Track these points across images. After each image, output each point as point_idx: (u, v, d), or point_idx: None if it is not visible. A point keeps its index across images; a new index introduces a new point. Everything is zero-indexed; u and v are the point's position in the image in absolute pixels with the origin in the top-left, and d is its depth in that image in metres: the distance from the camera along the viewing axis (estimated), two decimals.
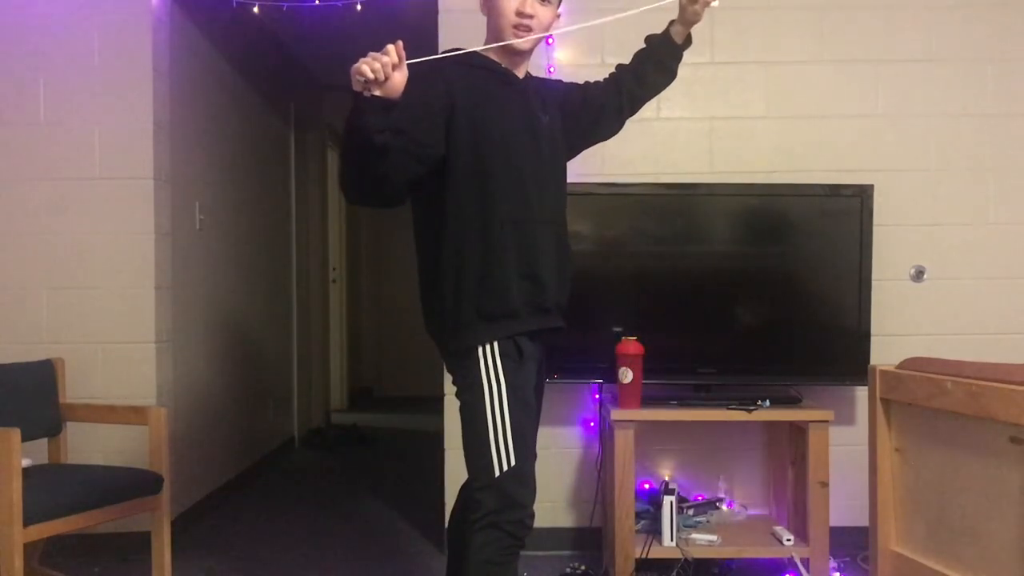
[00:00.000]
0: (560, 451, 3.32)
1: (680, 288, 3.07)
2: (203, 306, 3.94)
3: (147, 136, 3.34)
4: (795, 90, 3.30)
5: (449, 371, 2.11)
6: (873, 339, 3.08)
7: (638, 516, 2.99)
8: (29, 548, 2.66)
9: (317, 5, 3.51)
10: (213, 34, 4.06)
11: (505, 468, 1.94)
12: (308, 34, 5.07)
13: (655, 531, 2.94)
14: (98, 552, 3.33)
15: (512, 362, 2.00)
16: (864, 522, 2.20)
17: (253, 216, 4.68)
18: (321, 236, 6.22)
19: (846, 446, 3.24)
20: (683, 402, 2.99)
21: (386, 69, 1.75)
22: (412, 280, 2.22)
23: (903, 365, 1.99)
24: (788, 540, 2.93)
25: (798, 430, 3.01)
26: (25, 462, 2.65)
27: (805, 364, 3.06)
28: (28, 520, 2.45)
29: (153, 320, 3.35)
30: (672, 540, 2.89)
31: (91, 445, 3.29)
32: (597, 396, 3.25)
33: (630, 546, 2.86)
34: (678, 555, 2.88)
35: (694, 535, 2.95)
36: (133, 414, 2.97)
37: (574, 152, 2.30)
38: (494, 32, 2.09)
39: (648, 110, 3.27)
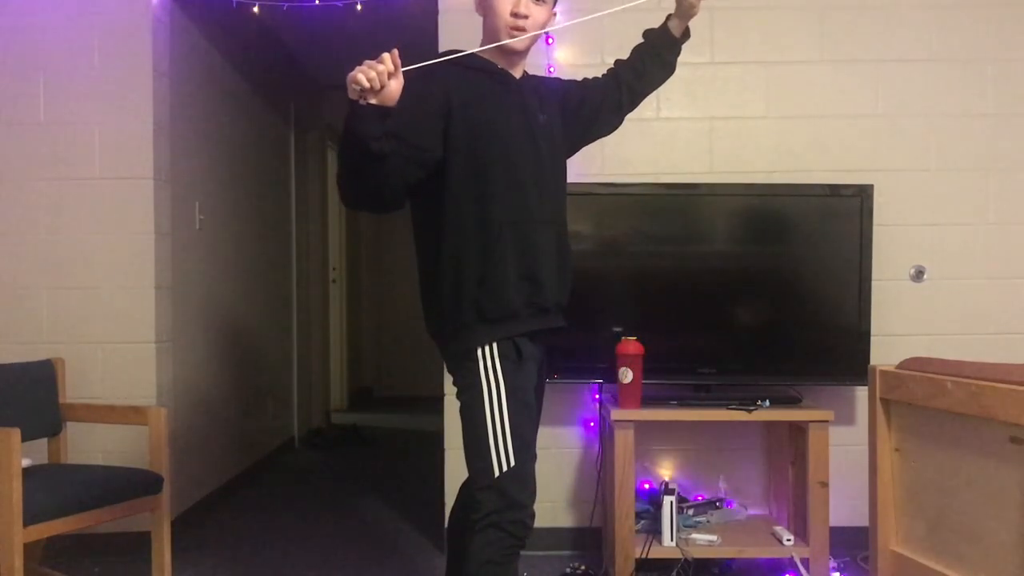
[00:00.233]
0: (560, 451, 3.32)
1: (680, 288, 3.07)
2: (203, 306, 3.94)
3: (147, 136, 3.34)
4: (795, 90, 3.30)
5: (449, 371, 2.11)
6: (873, 339, 3.08)
7: (638, 516, 2.99)
8: (29, 548, 2.66)
9: (317, 5, 3.51)
10: (213, 34, 4.06)
11: (505, 469, 1.95)
12: (308, 34, 5.07)
13: (655, 531, 2.94)
14: (98, 552, 3.33)
15: (511, 363, 2.00)
16: (864, 522, 2.20)
17: (253, 216, 4.68)
18: (321, 236, 6.22)
19: (846, 446, 3.24)
20: (683, 402, 2.99)
21: (382, 78, 1.75)
22: (412, 280, 2.22)
23: (903, 365, 1.99)
24: (788, 540, 2.93)
25: (798, 430, 3.01)
26: (25, 462, 2.65)
27: (805, 364, 3.06)
28: (28, 520, 2.45)
29: (153, 320, 3.35)
30: (672, 540, 2.89)
31: (91, 445, 3.30)
32: (597, 396, 3.25)
33: (630, 546, 2.86)
34: (678, 555, 2.88)
35: (694, 535, 2.95)
36: (133, 414, 2.97)
37: (574, 149, 2.30)
38: (490, 32, 2.09)
39: (648, 110, 3.29)
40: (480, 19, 2.14)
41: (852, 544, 3.17)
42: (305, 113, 5.79)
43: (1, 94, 3.33)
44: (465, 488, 2.28)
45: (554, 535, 3.31)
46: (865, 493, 2.14)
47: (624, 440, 2.88)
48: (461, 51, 2.07)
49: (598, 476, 3.26)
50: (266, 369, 4.91)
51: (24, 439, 2.55)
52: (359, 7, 3.53)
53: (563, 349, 2.99)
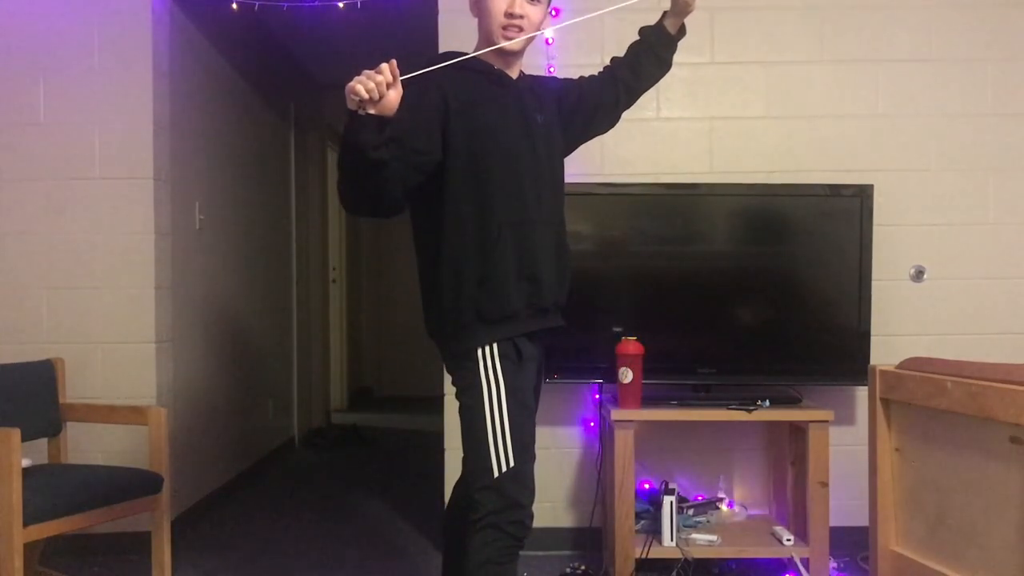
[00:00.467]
0: (560, 451, 3.32)
1: (680, 288, 3.07)
2: (203, 306, 3.94)
3: (147, 136, 3.34)
4: (795, 90, 3.30)
5: (449, 371, 2.11)
6: (873, 339, 3.08)
7: (638, 516, 2.99)
8: (29, 548, 2.66)
9: (317, 5, 3.51)
10: (213, 34, 4.06)
11: (504, 469, 1.95)
12: (308, 34, 5.07)
13: (655, 531, 2.94)
14: (98, 552, 3.33)
15: (511, 364, 2.01)
16: (864, 522, 2.20)
17: (253, 216, 4.68)
18: (321, 236, 6.22)
19: (846, 446, 3.24)
20: (683, 402, 2.99)
21: (380, 88, 1.74)
22: (412, 280, 2.22)
23: (903, 365, 1.99)
24: (788, 540, 2.93)
25: (798, 430, 3.01)
26: (25, 462, 2.65)
27: (805, 364, 3.06)
28: (28, 520, 2.45)
29: (153, 320, 3.35)
30: (672, 540, 2.89)
31: (91, 445, 3.30)
32: (597, 396, 3.25)
33: (630, 546, 2.86)
34: (678, 555, 2.88)
35: (694, 535, 2.95)
36: (133, 414, 2.97)
37: (571, 148, 2.30)
38: (485, 34, 2.08)
39: (648, 110, 3.29)
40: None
41: (852, 544, 3.17)
42: (305, 113, 5.79)
43: (1, 94, 3.33)
44: (459, 488, 2.28)
45: (554, 535, 3.31)
46: (865, 493, 2.14)
47: (624, 440, 2.88)
48: (459, 54, 2.07)
49: (598, 476, 3.26)
50: (266, 369, 4.91)
51: (24, 439, 2.55)
52: (359, 7, 3.52)
53: (563, 349, 3.00)
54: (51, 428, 3.04)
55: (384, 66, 1.75)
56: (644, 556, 2.86)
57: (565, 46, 3.27)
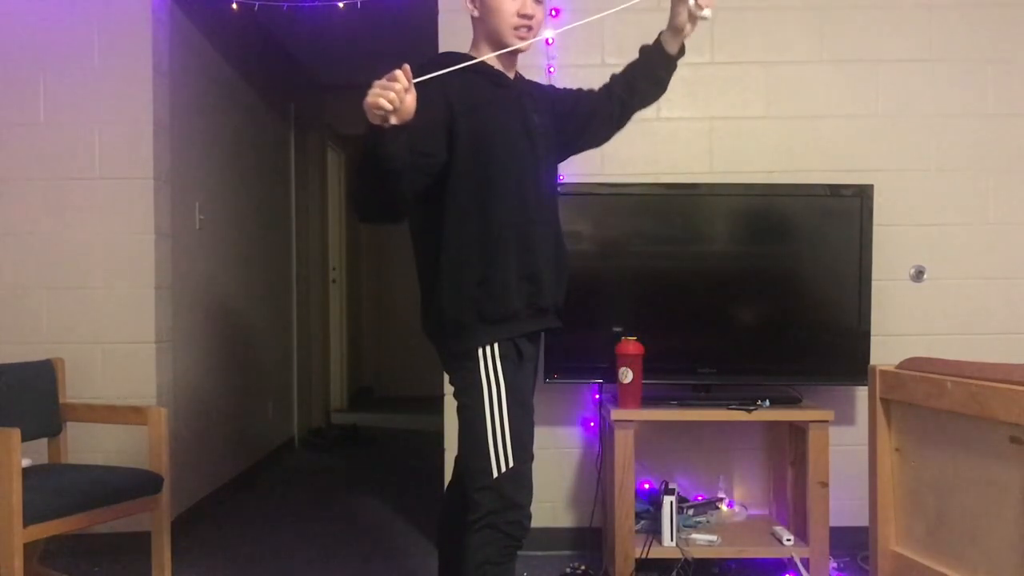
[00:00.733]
0: (560, 451, 3.32)
1: (680, 288, 3.07)
2: (203, 306, 3.94)
3: (147, 136, 3.35)
4: (795, 90, 3.30)
5: (447, 371, 2.10)
6: (873, 339, 3.08)
7: (638, 516, 2.99)
8: (29, 548, 2.66)
9: (317, 5, 3.51)
10: (213, 34, 4.06)
11: (503, 470, 1.95)
12: (308, 34, 5.07)
13: (655, 531, 2.94)
14: (98, 552, 3.33)
15: (512, 364, 2.01)
16: (864, 522, 2.20)
17: (253, 216, 4.68)
18: (321, 236, 6.22)
19: (846, 446, 3.24)
20: (683, 402, 2.99)
21: (401, 96, 1.72)
22: (412, 280, 2.22)
23: (903, 365, 1.99)
24: (788, 540, 2.93)
25: (798, 430, 3.01)
26: (25, 462, 2.66)
27: (805, 364, 3.06)
28: (28, 520, 2.45)
29: (153, 320, 3.35)
30: (672, 540, 2.89)
31: (91, 445, 3.30)
32: (597, 396, 3.25)
33: (630, 546, 2.86)
34: (678, 555, 2.88)
35: (694, 535, 2.95)
36: (133, 414, 2.97)
37: (562, 157, 2.29)
38: (490, 33, 2.08)
39: (648, 110, 3.26)
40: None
41: (852, 544, 3.17)
42: (305, 113, 5.79)
43: (1, 94, 3.33)
44: (452, 489, 2.28)
45: (554, 535, 3.31)
46: (865, 493, 2.14)
47: (624, 440, 2.88)
48: (459, 55, 2.07)
49: (598, 476, 3.26)
50: (266, 369, 4.91)
51: (24, 439, 2.55)
52: (359, 7, 3.52)
53: (563, 349, 3.00)
54: (51, 428, 3.04)
55: (398, 72, 1.72)
56: (644, 556, 2.86)
57: (565, 46, 3.27)
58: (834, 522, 2.94)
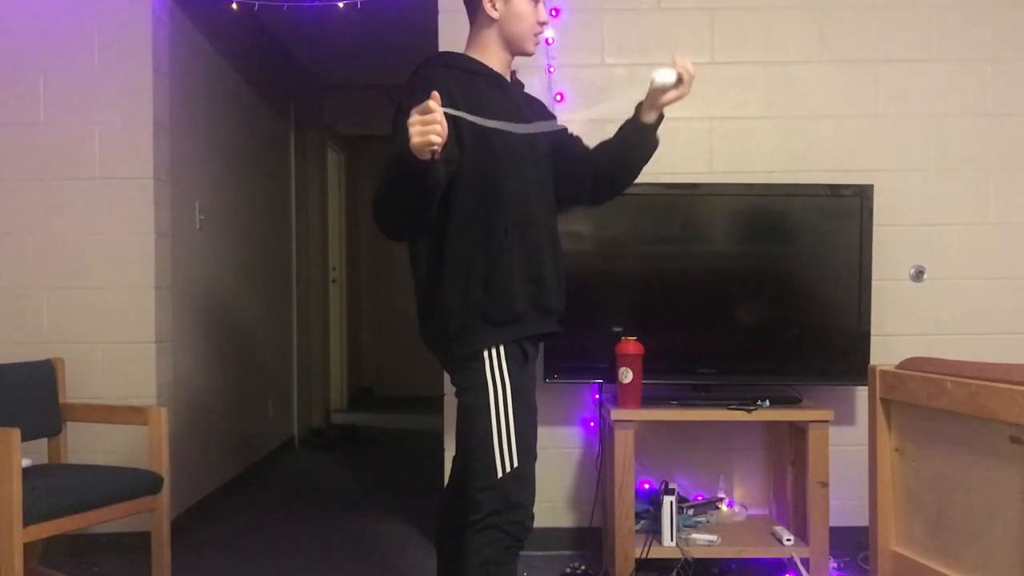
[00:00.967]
0: (560, 451, 3.32)
1: (680, 288, 3.07)
2: (203, 306, 3.94)
3: (147, 136, 3.34)
4: (795, 90, 3.30)
5: (449, 372, 2.10)
6: (873, 339, 3.08)
7: (638, 516, 2.99)
8: (29, 548, 2.67)
9: (317, 5, 3.51)
10: (213, 34, 4.06)
11: (507, 470, 1.94)
12: (308, 34, 5.08)
13: (655, 531, 2.94)
14: (98, 552, 3.33)
15: (517, 364, 2.01)
16: (864, 522, 2.21)
17: (253, 216, 4.68)
18: (321, 236, 6.23)
19: (846, 446, 3.24)
20: (683, 402, 2.99)
21: (442, 123, 1.71)
22: (412, 281, 2.21)
23: (903, 365, 1.99)
24: (788, 540, 2.93)
25: (798, 430, 3.01)
26: (25, 462, 2.66)
27: (805, 364, 3.06)
28: (28, 520, 2.45)
29: (153, 320, 3.35)
30: (672, 540, 2.89)
31: (91, 445, 3.30)
32: (597, 396, 3.25)
33: (630, 546, 2.86)
34: (678, 555, 2.88)
35: (694, 535, 2.95)
36: (133, 414, 2.97)
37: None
38: (508, 36, 2.09)
39: None
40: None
41: (852, 544, 3.17)
42: (305, 113, 5.79)
43: (1, 94, 3.33)
44: (450, 489, 2.27)
45: (554, 535, 3.31)
46: (865, 493, 2.14)
47: (624, 440, 2.88)
48: (458, 56, 2.09)
49: (598, 476, 3.26)
50: (266, 369, 4.91)
51: (24, 439, 2.55)
52: (359, 7, 3.52)
53: (563, 349, 3.00)
54: (51, 428, 3.04)
55: (431, 103, 1.69)
56: (644, 556, 2.86)
57: (565, 46, 3.27)
58: (834, 522, 2.94)
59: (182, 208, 3.66)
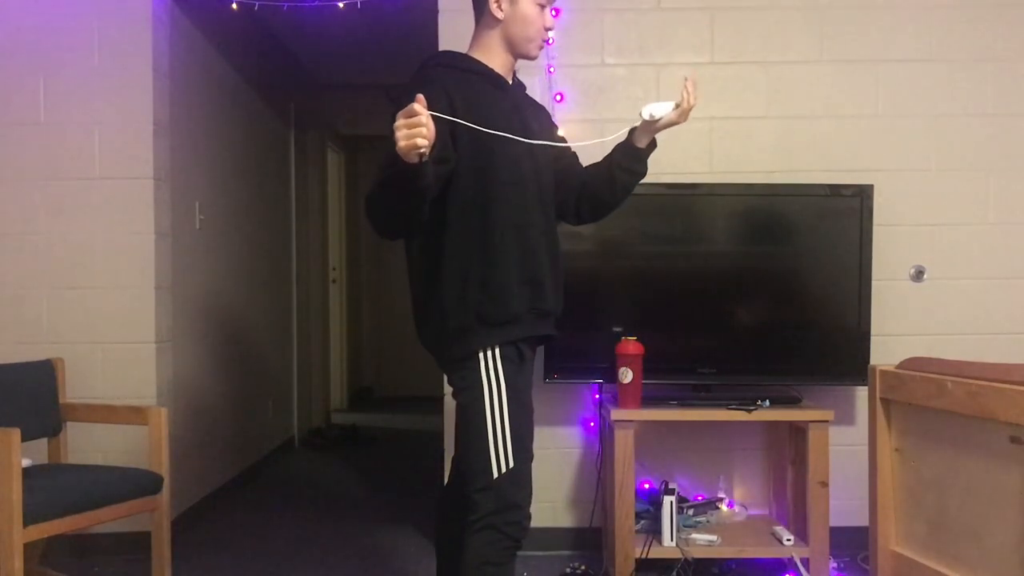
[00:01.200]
0: (560, 451, 3.32)
1: (680, 288, 3.07)
2: (203, 306, 3.94)
3: (147, 136, 3.34)
4: (795, 90, 3.30)
5: (447, 372, 2.10)
6: (873, 339, 3.08)
7: (638, 516, 2.99)
8: (29, 548, 2.66)
9: (317, 5, 3.51)
10: (213, 34, 4.06)
11: (503, 470, 1.95)
12: (308, 34, 5.08)
13: (655, 531, 2.94)
14: (98, 552, 3.33)
15: (513, 365, 2.01)
16: (864, 522, 2.21)
17: (253, 216, 4.68)
18: (321, 236, 6.23)
19: (846, 446, 3.24)
20: (683, 402, 2.99)
21: (429, 127, 1.71)
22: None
23: (903, 365, 1.99)
24: (788, 540, 2.93)
25: (798, 430, 3.01)
26: (25, 462, 2.65)
27: (805, 364, 3.06)
28: (28, 520, 2.45)
29: (153, 320, 3.35)
30: (672, 540, 2.89)
31: (91, 445, 3.30)
32: (597, 396, 3.25)
33: (630, 546, 2.86)
34: (678, 555, 2.88)
35: (694, 535, 2.95)
36: (133, 414, 2.97)
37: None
38: (512, 38, 2.08)
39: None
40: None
41: (852, 544, 3.17)
42: (305, 113, 5.79)
43: (1, 94, 3.33)
44: (449, 489, 2.28)
45: (554, 535, 3.31)
46: (865, 493, 2.14)
47: (624, 440, 2.88)
48: (459, 55, 2.07)
49: (598, 476, 3.26)
50: (266, 369, 4.91)
51: (24, 439, 2.55)
52: (359, 7, 3.52)
53: (563, 349, 3.00)
54: (51, 428, 3.04)
55: (415, 106, 1.69)
56: (644, 556, 2.86)
57: (565, 46, 3.27)
58: (834, 522, 2.94)
59: (182, 208, 3.66)
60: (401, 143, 1.69)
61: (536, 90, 3.06)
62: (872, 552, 2.07)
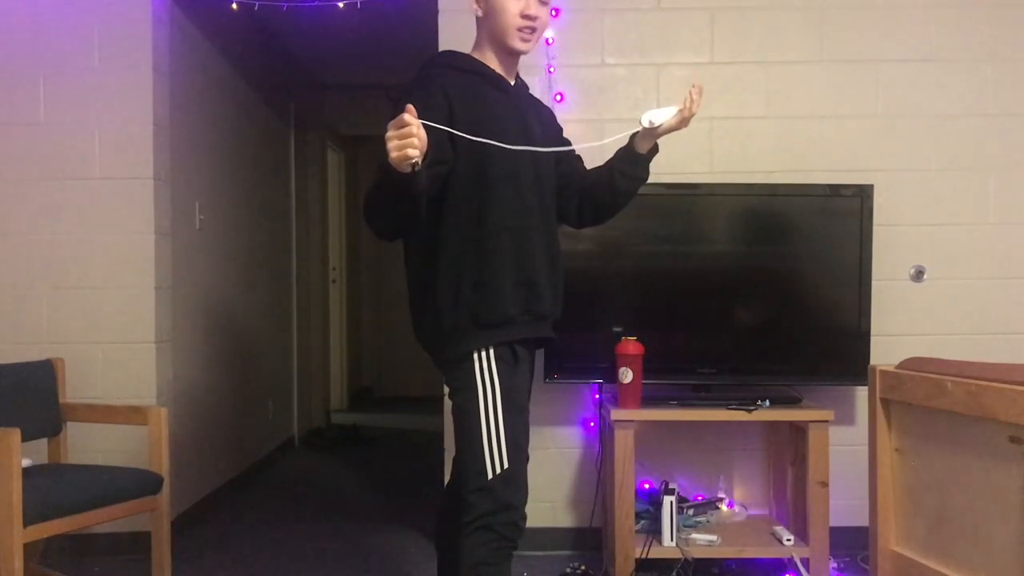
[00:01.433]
0: (560, 451, 3.32)
1: (680, 288, 3.07)
2: (203, 306, 3.94)
3: (147, 136, 3.34)
4: (795, 90, 3.30)
5: (443, 373, 2.10)
6: (873, 339, 3.08)
7: (638, 516, 2.99)
8: (29, 548, 2.66)
9: (317, 5, 3.51)
10: (213, 34, 4.06)
11: (498, 471, 1.95)
12: (308, 34, 5.07)
13: (655, 531, 2.94)
14: (98, 552, 3.33)
15: (507, 366, 2.01)
16: (864, 522, 2.20)
17: (253, 216, 4.68)
18: (321, 236, 6.22)
19: (846, 446, 3.24)
20: (683, 402, 2.99)
21: (419, 137, 1.70)
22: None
23: (903, 365, 1.99)
24: (788, 540, 2.93)
25: (798, 430, 3.01)
26: (25, 462, 2.65)
27: (805, 364, 3.06)
28: (28, 520, 2.45)
29: (153, 320, 3.35)
30: (672, 540, 2.89)
31: (91, 445, 3.30)
32: (597, 396, 3.25)
33: (630, 546, 2.86)
34: (678, 555, 2.88)
35: (694, 535, 2.95)
36: (133, 414, 2.97)
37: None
38: (493, 33, 2.06)
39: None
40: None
41: (852, 544, 3.17)
42: (305, 113, 5.79)
43: (1, 94, 3.33)
44: (450, 489, 2.28)
45: (554, 535, 3.31)
46: (865, 493, 2.14)
47: (624, 440, 2.88)
48: (460, 55, 2.07)
49: (598, 476, 3.26)
50: (266, 369, 4.91)
51: (24, 439, 2.55)
52: (359, 6, 3.52)
53: (563, 349, 2.99)
54: (51, 428, 3.04)
55: (405, 116, 1.68)
56: (644, 556, 2.86)
57: (565, 46, 3.27)
58: (834, 522, 2.94)
59: (182, 208, 3.66)
60: (392, 154, 1.69)
61: (536, 90, 3.06)
62: (872, 552, 2.07)
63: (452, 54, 2.13)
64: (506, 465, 1.95)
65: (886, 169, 3.28)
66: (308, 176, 5.87)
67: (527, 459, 2.04)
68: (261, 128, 4.89)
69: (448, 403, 3.16)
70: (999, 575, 1.71)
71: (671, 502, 2.89)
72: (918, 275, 3.29)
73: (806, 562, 2.88)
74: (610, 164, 2.23)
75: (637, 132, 2.20)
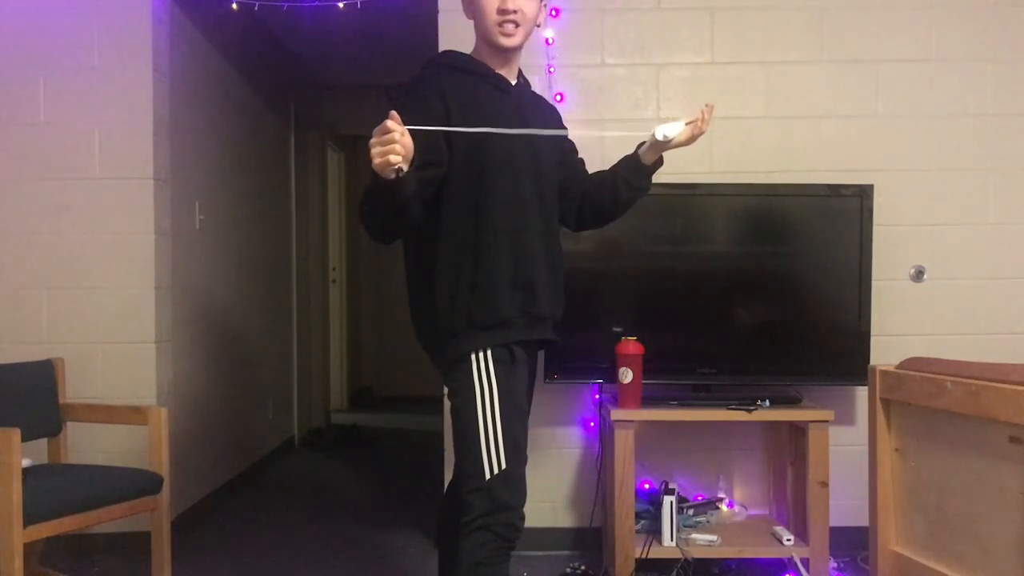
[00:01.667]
0: (560, 451, 3.32)
1: (680, 288, 3.07)
2: (203, 306, 3.94)
3: (147, 136, 3.34)
4: (795, 90, 3.29)
5: (442, 373, 2.10)
6: (873, 339, 3.08)
7: (638, 516, 2.99)
8: (29, 548, 2.66)
9: (317, 5, 3.51)
10: (213, 34, 4.06)
11: (496, 472, 1.95)
12: (308, 34, 5.08)
13: (655, 531, 2.94)
14: (98, 552, 3.33)
15: (505, 367, 2.00)
16: (864, 522, 2.20)
17: (253, 216, 4.68)
18: (321, 236, 6.22)
19: (846, 446, 3.23)
20: (683, 402, 2.99)
21: (403, 143, 1.71)
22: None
23: (903, 365, 1.99)
24: (788, 540, 2.93)
25: (798, 430, 3.01)
26: (25, 462, 2.65)
27: (805, 364, 3.06)
28: (28, 520, 2.45)
29: (153, 320, 3.35)
30: (672, 540, 2.89)
31: (91, 445, 3.30)
32: (597, 396, 3.25)
33: (630, 546, 2.86)
34: (678, 555, 2.88)
35: (694, 535, 2.95)
36: (133, 414, 2.97)
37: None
38: (481, 34, 2.07)
39: (648, 110, 3.30)
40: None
41: (852, 544, 3.17)
42: (305, 113, 5.79)
43: (1, 94, 3.33)
44: (451, 490, 2.28)
45: (554, 535, 3.31)
46: (865, 493, 2.14)
47: (624, 440, 2.88)
48: (459, 55, 2.06)
49: (598, 476, 3.26)
50: (266, 369, 4.91)
51: (24, 439, 2.55)
52: (359, 7, 3.52)
53: (563, 349, 2.99)
54: (51, 428, 3.04)
55: (389, 123, 1.69)
56: (644, 556, 2.86)
57: (565, 46, 3.27)
58: (834, 522, 2.93)
59: (182, 208, 3.66)
60: (375, 161, 1.71)
61: (536, 90, 3.06)
62: (872, 552, 2.07)
63: (452, 54, 2.13)
64: (504, 466, 1.95)
65: (886, 169, 3.28)
66: (308, 176, 5.87)
67: (526, 460, 2.04)
68: (261, 128, 4.89)
69: (448, 403, 3.17)
70: (999, 575, 1.72)
71: (671, 502, 2.89)
72: (918, 275, 3.29)
73: (806, 562, 2.88)
74: (614, 171, 2.23)
75: (643, 143, 2.21)
